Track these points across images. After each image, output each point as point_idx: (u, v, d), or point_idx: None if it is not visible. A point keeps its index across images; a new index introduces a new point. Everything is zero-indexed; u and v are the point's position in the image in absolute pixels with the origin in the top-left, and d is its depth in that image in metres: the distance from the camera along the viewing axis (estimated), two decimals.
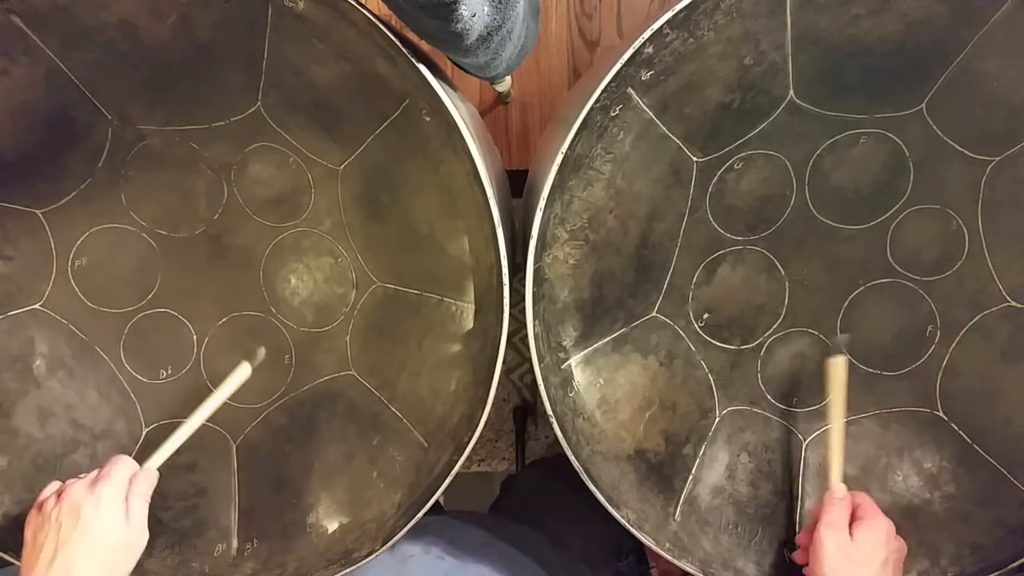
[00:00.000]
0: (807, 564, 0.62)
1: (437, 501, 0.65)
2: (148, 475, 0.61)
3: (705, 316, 0.72)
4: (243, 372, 0.67)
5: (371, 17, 0.57)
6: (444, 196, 0.65)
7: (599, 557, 0.81)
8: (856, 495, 0.64)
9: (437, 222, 0.67)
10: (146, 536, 0.59)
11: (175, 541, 0.69)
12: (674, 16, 0.57)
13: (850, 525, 0.61)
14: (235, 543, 0.69)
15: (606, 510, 0.65)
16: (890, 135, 0.66)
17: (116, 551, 0.57)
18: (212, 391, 0.66)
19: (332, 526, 0.69)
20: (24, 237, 0.67)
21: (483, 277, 0.65)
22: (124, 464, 0.60)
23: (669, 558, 0.67)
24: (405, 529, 0.64)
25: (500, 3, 0.59)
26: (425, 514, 0.64)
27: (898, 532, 0.68)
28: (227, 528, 0.70)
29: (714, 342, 0.73)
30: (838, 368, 0.66)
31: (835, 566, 0.59)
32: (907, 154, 0.67)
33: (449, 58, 0.71)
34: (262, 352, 0.68)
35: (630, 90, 0.61)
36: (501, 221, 0.61)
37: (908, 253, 0.70)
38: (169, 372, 0.71)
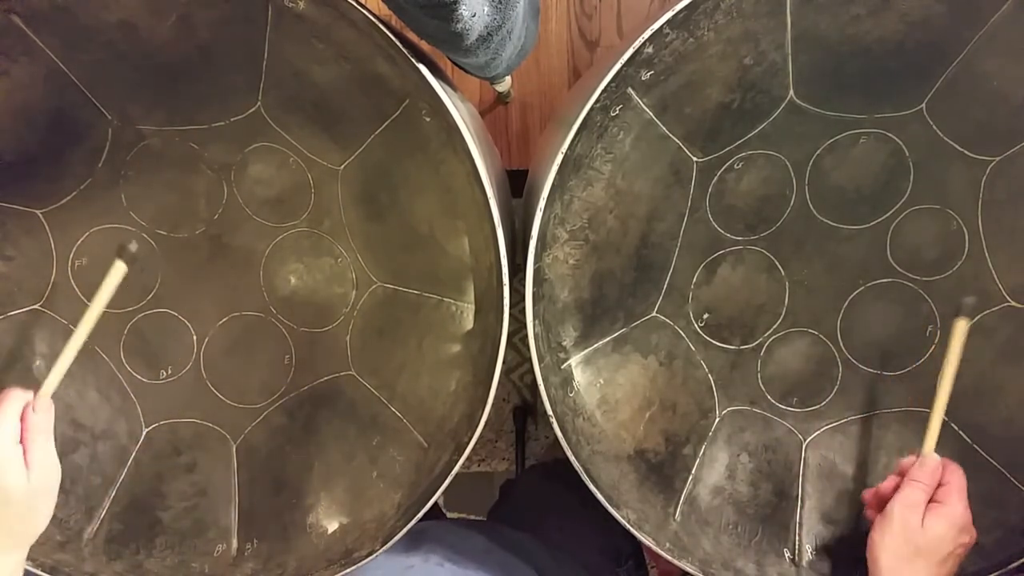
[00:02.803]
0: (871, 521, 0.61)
1: (437, 502, 0.65)
2: (43, 405, 0.55)
3: (705, 316, 0.72)
4: (118, 271, 0.62)
5: (371, 17, 0.57)
6: (444, 196, 0.65)
7: (598, 563, 0.81)
8: (947, 469, 0.61)
9: (437, 222, 0.67)
10: (57, 476, 0.53)
11: (175, 541, 0.69)
12: (674, 16, 0.57)
13: (928, 503, 0.59)
14: (235, 543, 0.69)
15: (605, 512, 0.65)
16: (890, 135, 0.66)
17: (17, 504, 0.50)
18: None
19: (332, 526, 0.69)
20: (24, 237, 0.67)
21: (483, 277, 0.65)
22: (12, 399, 0.53)
23: (669, 558, 0.67)
24: (405, 529, 0.64)
25: (500, 3, 0.59)
26: (425, 518, 0.64)
27: None
28: (227, 528, 0.70)
29: (714, 342, 0.73)
30: (961, 330, 0.63)
31: (896, 549, 0.57)
32: (907, 154, 0.67)
33: (449, 58, 0.71)
34: (134, 245, 0.63)
35: (630, 90, 0.61)
36: (501, 221, 0.61)
37: (908, 253, 0.70)
38: (169, 372, 0.71)
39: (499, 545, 0.73)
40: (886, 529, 0.58)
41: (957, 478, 0.60)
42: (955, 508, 0.58)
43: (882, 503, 0.61)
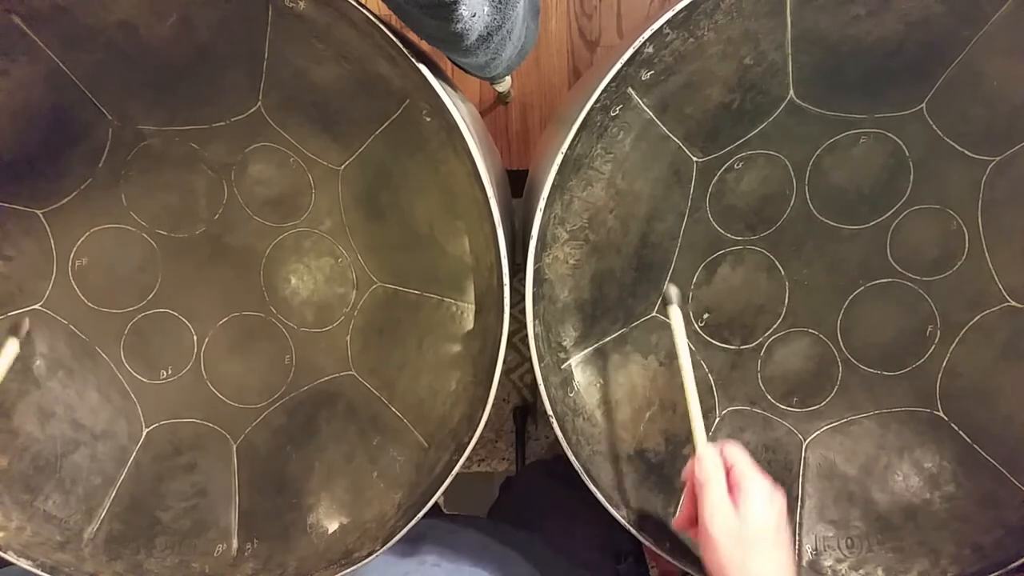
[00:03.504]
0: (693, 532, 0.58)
1: (437, 502, 0.65)
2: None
3: (705, 316, 0.72)
4: (11, 349, 0.63)
5: (371, 17, 0.57)
6: (444, 196, 0.65)
7: (598, 560, 0.81)
8: (726, 453, 0.58)
9: (437, 222, 0.67)
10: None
11: (175, 541, 0.69)
12: (674, 16, 0.57)
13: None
14: (235, 543, 0.69)
15: (605, 511, 0.65)
16: (890, 135, 0.67)
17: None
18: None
19: (332, 526, 0.69)
20: (24, 237, 0.67)
21: (483, 277, 0.65)
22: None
23: (669, 558, 0.67)
24: (405, 529, 0.64)
25: (500, 3, 0.59)
26: (424, 516, 0.64)
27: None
28: (227, 528, 0.70)
29: (714, 342, 0.73)
30: (675, 317, 0.64)
31: (735, 558, 0.53)
32: (907, 154, 0.67)
33: (449, 58, 0.71)
34: (27, 323, 0.64)
35: (630, 90, 0.61)
36: (501, 221, 0.61)
37: (908, 253, 0.70)
38: (169, 372, 0.71)
39: (497, 541, 0.73)
40: (713, 547, 0.54)
41: (737, 454, 0.58)
42: (754, 483, 0.56)
43: (692, 520, 0.59)
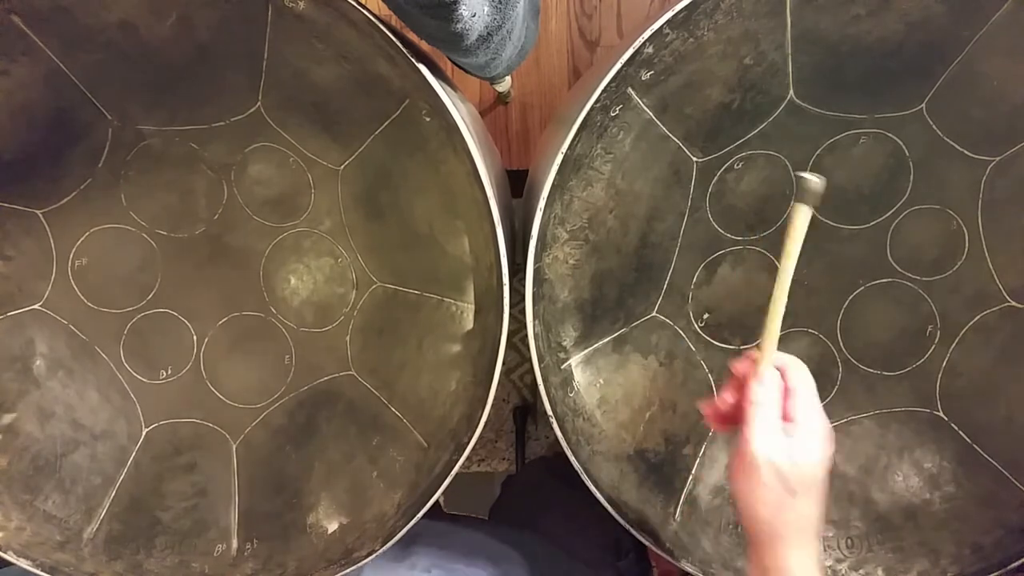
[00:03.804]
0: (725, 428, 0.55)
1: (436, 502, 0.65)
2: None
3: (705, 316, 0.72)
4: None
5: (371, 17, 0.57)
6: (444, 196, 0.65)
7: (599, 557, 0.81)
8: (787, 373, 0.52)
9: (437, 222, 0.66)
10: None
11: (175, 541, 0.69)
12: (674, 16, 0.57)
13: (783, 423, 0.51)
14: (235, 543, 0.69)
15: (606, 509, 0.65)
16: (890, 135, 0.66)
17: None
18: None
19: (332, 526, 0.69)
20: (24, 237, 0.67)
21: (483, 277, 0.65)
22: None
23: (669, 558, 0.67)
24: (405, 529, 0.64)
25: (500, 3, 0.59)
26: (423, 516, 0.64)
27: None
28: (227, 528, 0.70)
29: (714, 342, 0.73)
30: (801, 217, 0.53)
31: (772, 498, 0.49)
32: (907, 154, 0.67)
33: (449, 58, 0.71)
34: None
35: (630, 90, 0.61)
36: (501, 221, 0.61)
37: (908, 253, 0.70)
38: (169, 372, 0.71)
39: (495, 540, 0.73)
40: (753, 477, 0.49)
41: (801, 378, 0.52)
42: (814, 422, 0.51)
43: (725, 418, 0.54)
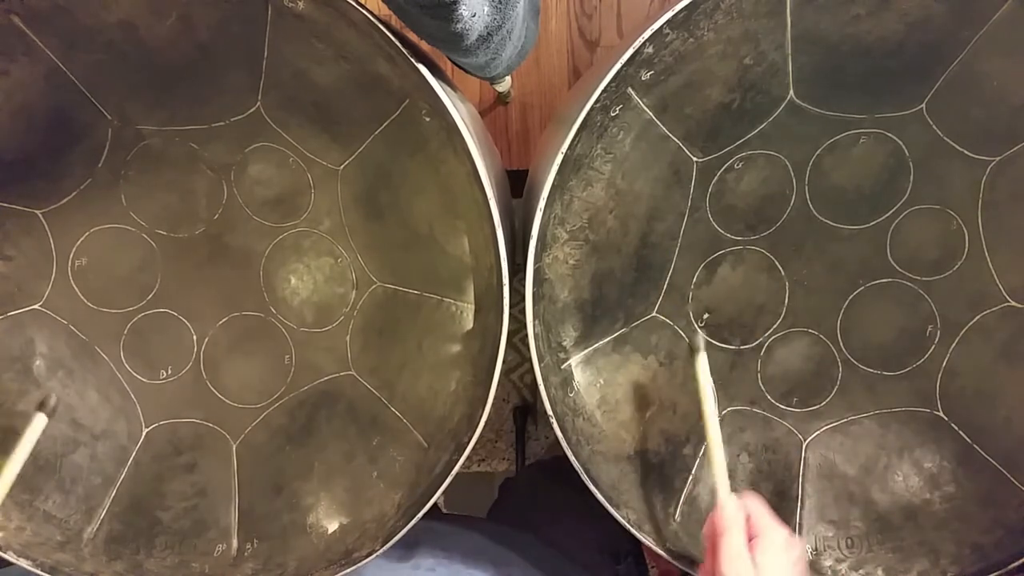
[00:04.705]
0: None
1: (436, 502, 0.65)
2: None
3: (705, 316, 0.72)
4: (39, 423, 0.62)
5: (371, 17, 0.57)
6: (444, 196, 0.65)
7: (597, 560, 0.81)
8: (746, 503, 0.59)
9: (437, 222, 0.66)
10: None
11: (175, 541, 0.69)
12: (674, 16, 0.57)
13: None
14: (235, 543, 0.69)
15: (604, 511, 0.65)
16: (890, 135, 0.66)
17: None
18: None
19: (332, 526, 0.69)
20: (24, 237, 0.67)
21: (483, 277, 0.65)
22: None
23: (669, 559, 0.67)
24: (405, 529, 0.64)
25: (500, 3, 0.59)
26: (422, 517, 0.64)
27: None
28: (227, 528, 0.70)
29: (714, 342, 0.73)
30: (702, 364, 0.64)
31: None
32: (907, 154, 0.67)
33: (449, 58, 0.71)
34: (54, 398, 0.64)
35: (630, 90, 0.61)
36: (501, 221, 0.61)
37: (908, 253, 0.70)
38: (169, 372, 0.71)
39: (495, 542, 0.73)
40: None
41: (756, 504, 0.59)
42: (774, 534, 0.57)
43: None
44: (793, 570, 0.57)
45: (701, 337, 0.67)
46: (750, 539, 0.57)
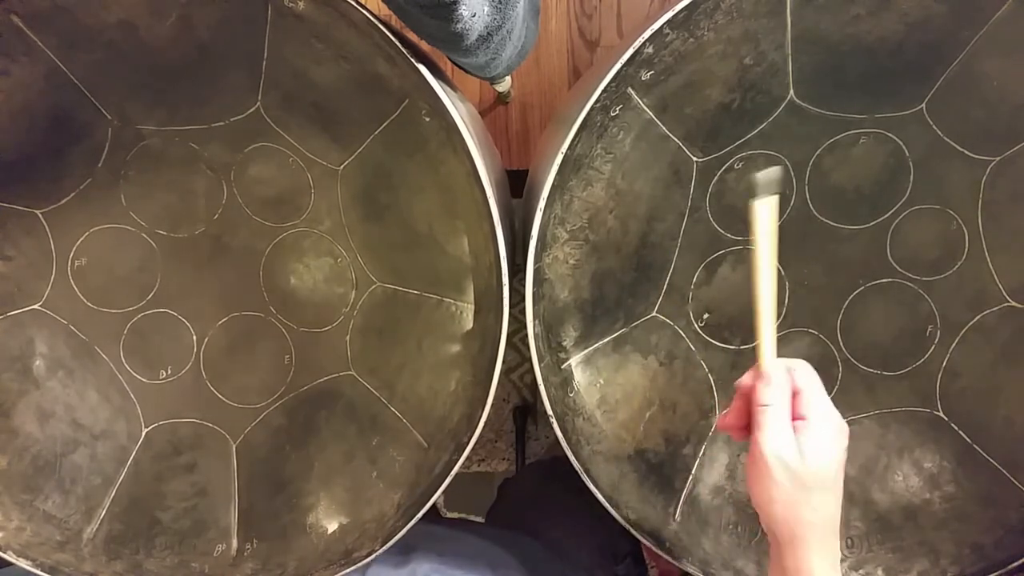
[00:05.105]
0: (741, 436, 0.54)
1: (435, 506, 0.64)
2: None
3: (705, 316, 0.72)
4: None
5: (371, 17, 0.57)
6: (444, 196, 0.65)
7: (596, 561, 0.81)
8: (795, 376, 0.52)
9: (437, 222, 0.66)
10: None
11: (175, 541, 0.69)
12: (674, 16, 0.57)
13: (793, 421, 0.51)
14: (235, 543, 0.69)
15: (603, 511, 0.65)
16: (890, 135, 0.66)
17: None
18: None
19: (332, 526, 0.69)
20: (24, 237, 0.67)
21: (483, 277, 0.65)
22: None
23: (669, 558, 0.67)
24: (405, 529, 0.64)
25: (500, 3, 0.59)
26: (421, 521, 0.64)
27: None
28: (227, 528, 0.70)
29: (714, 342, 0.73)
30: (764, 210, 0.53)
31: (786, 496, 0.49)
32: (907, 154, 0.67)
33: (449, 58, 0.71)
34: None
35: (630, 90, 0.61)
36: (501, 221, 0.61)
37: (908, 253, 0.70)
38: (169, 372, 0.71)
39: (494, 545, 0.73)
40: (765, 478, 0.49)
41: (807, 376, 0.52)
42: (825, 418, 0.51)
43: (739, 427, 0.54)
44: (841, 460, 0.51)
45: (765, 175, 0.54)
46: (795, 416, 0.51)
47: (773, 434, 0.49)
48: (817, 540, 0.49)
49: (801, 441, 0.49)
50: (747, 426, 0.53)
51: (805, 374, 0.52)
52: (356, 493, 0.69)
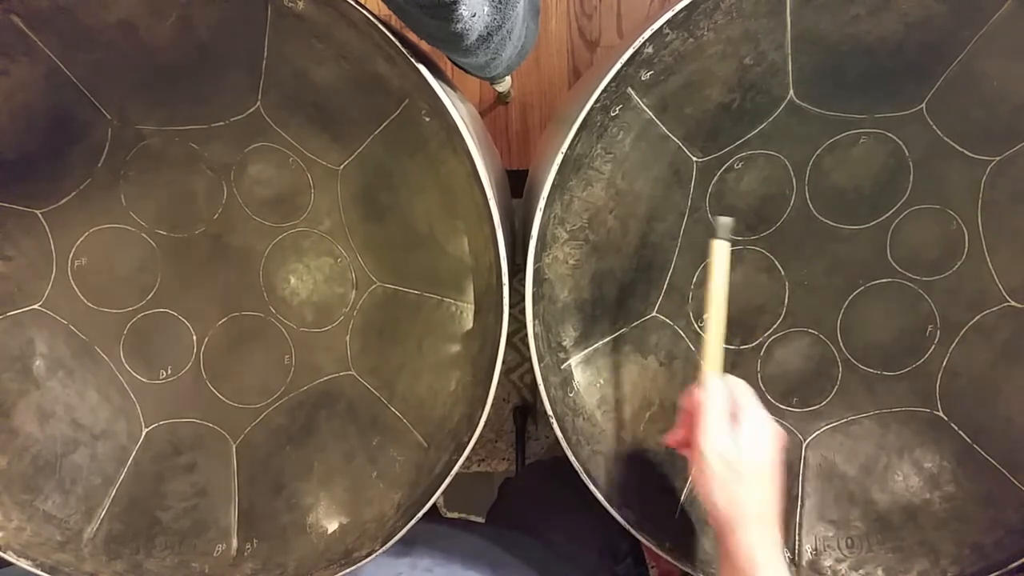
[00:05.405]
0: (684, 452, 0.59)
1: (435, 506, 0.64)
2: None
3: (705, 316, 0.72)
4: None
5: (371, 17, 0.57)
6: (444, 196, 0.65)
7: (596, 561, 0.81)
8: (732, 385, 0.58)
9: (437, 222, 0.67)
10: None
11: (175, 541, 0.69)
12: (674, 16, 0.57)
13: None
14: (235, 543, 0.69)
15: (603, 511, 0.65)
16: (890, 135, 0.67)
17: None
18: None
19: (332, 526, 0.69)
20: (24, 237, 0.67)
21: (483, 277, 0.65)
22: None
23: (669, 558, 0.67)
24: (405, 529, 0.64)
25: (500, 3, 0.59)
26: (421, 520, 0.64)
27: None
28: (227, 528, 0.70)
29: None
30: (721, 248, 0.60)
31: (725, 486, 0.54)
32: (907, 154, 0.67)
33: (449, 58, 0.71)
34: None
35: (630, 90, 0.61)
36: (501, 221, 0.61)
37: (908, 253, 0.70)
38: (169, 372, 0.71)
39: (494, 544, 0.73)
40: (706, 471, 0.54)
41: (744, 392, 0.58)
42: (755, 414, 0.56)
43: (685, 442, 0.59)
44: (775, 454, 0.56)
45: (724, 221, 0.60)
46: (731, 417, 0.56)
47: (712, 433, 0.55)
48: (755, 524, 0.53)
49: (736, 436, 0.55)
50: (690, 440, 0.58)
51: (743, 390, 0.58)
52: (356, 493, 0.69)
